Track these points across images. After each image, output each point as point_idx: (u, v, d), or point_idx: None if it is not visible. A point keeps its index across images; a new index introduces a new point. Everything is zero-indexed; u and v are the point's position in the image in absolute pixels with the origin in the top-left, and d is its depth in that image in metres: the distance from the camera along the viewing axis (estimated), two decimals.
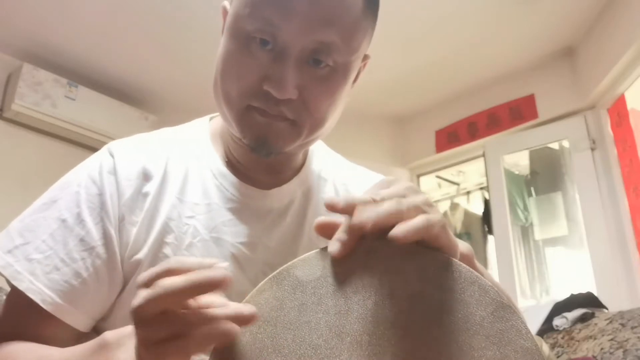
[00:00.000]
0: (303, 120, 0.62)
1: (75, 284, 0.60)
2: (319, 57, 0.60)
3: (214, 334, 0.40)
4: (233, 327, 0.40)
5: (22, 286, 0.59)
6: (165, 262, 0.41)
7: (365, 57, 0.69)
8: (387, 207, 0.43)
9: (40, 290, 0.59)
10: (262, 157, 0.64)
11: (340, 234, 0.44)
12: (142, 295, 0.40)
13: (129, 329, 0.47)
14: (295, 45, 0.59)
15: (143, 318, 0.40)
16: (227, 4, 0.67)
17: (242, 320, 0.41)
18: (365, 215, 0.42)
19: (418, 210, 0.44)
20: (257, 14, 0.59)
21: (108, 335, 0.49)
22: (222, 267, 0.41)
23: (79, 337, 0.63)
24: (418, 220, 0.42)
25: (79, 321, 0.62)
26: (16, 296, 0.60)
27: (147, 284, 0.40)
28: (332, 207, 0.44)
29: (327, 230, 0.45)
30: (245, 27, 0.60)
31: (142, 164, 0.67)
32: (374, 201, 0.44)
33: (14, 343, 0.59)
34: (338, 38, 0.60)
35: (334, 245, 0.43)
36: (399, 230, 0.41)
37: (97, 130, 2.74)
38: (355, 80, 0.70)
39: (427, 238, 0.43)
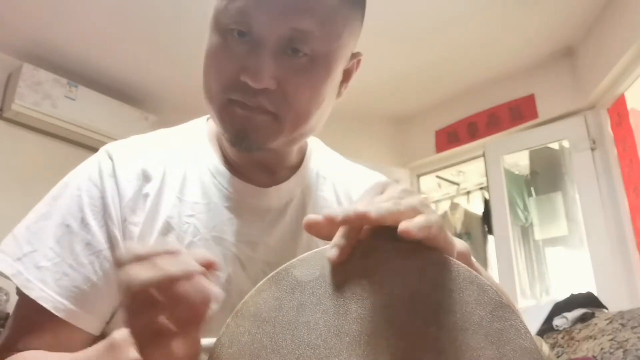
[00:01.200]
0: (283, 113, 0.61)
1: (86, 289, 0.60)
2: (296, 45, 0.59)
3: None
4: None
5: (33, 294, 0.59)
6: (160, 244, 0.42)
7: (355, 56, 0.69)
8: (385, 207, 0.43)
9: (51, 297, 0.59)
10: (243, 151, 0.64)
11: (338, 239, 0.44)
12: (142, 273, 0.40)
13: None
14: (270, 34, 0.58)
15: (135, 295, 0.40)
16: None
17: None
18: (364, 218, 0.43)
19: (415, 211, 0.44)
20: (232, 6, 0.59)
21: (116, 335, 0.49)
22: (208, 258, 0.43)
23: (92, 342, 0.62)
24: (420, 219, 0.43)
25: (92, 325, 0.62)
26: (26, 304, 0.60)
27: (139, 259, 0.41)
28: (331, 220, 0.44)
29: (316, 229, 0.46)
30: (222, 21, 0.60)
31: (142, 166, 0.67)
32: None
33: (26, 353, 0.58)
34: (314, 25, 0.59)
35: (332, 251, 0.43)
36: (407, 225, 0.41)
37: (97, 130, 2.74)
38: (346, 80, 0.69)
39: (426, 238, 0.43)
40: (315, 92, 0.62)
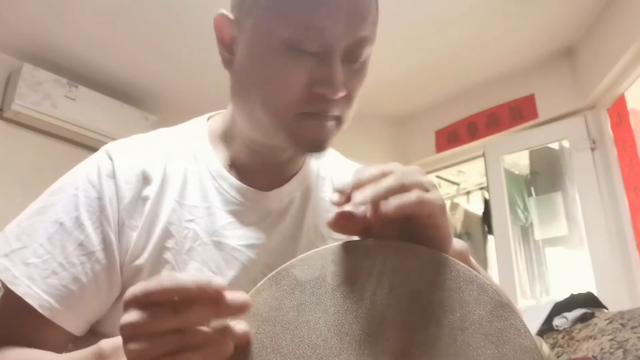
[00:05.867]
0: (345, 115, 0.64)
1: (74, 289, 0.59)
2: (359, 52, 0.62)
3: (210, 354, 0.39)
4: (229, 347, 0.40)
5: (19, 291, 0.58)
6: (157, 279, 0.40)
7: None
8: (386, 182, 0.44)
9: (38, 295, 0.58)
10: (315, 158, 0.66)
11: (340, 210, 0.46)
12: (138, 317, 0.38)
13: None
14: (339, 44, 0.60)
15: (133, 337, 0.39)
16: (226, 13, 0.65)
17: (237, 309, 0.40)
18: (365, 193, 0.44)
19: (419, 186, 0.45)
20: (296, 20, 0.58)
21: (105, 344, 0.49)
22: (218, 283, 0.40)
23: (74, 340, 0.62)
24: (411, 195, 0.43)
25: (75, 326, 0.61)
26: (11, 300, 0.59)
27: (139, 302, 0.39)
28: (342, 192, 0.45)
29: (340, 226, 0.46)
30: (283, 35, 0.59)
31: (142, 167, 0.66)
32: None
33: (10, 348, 0.58)
34: (370, 31, 0.62)
35: (334, 196, 0.45)
36: (390, 204, 0.42)
37: (97, 130, 2.74)
38: None
39: (419, 214, 0.43)
40: (361, 89, 0.65)
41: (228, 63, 0.66)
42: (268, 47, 0.60)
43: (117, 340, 0.48)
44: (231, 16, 0.65)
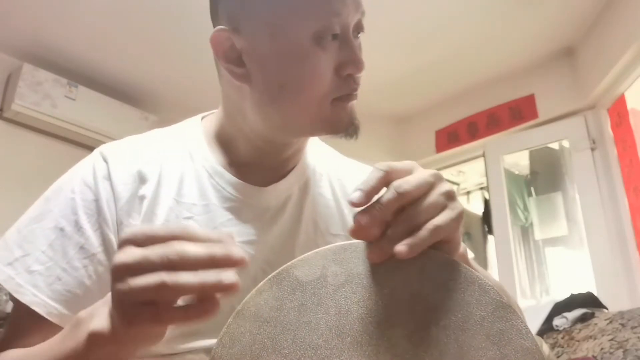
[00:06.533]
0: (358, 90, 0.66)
1: (79, 293, 0.60)
2: (360, 25, 0.65)
3: (198, 287, 0.39)
4: (224, 278, 0.40)
5: (25, 299, 0.58)
6: (169, 227, 0.41)
7: None
8: (415, 182, 0.46)
9: (44, 302, 0.58)
10: (353, 139, 0.67)
11: (360, 189, 0.46)
12: (141, 253, 0.39)
13: (103, 299, 0.47)
14: (351, 23, 0.63)
15: (127, 274, 0.39)
16: (225, 28, 0.64)
17: (231, 262, 0.40)
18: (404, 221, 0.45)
19: (442, 197, 0.46)
20: (316, 10, 0.61)
21: (81, 312, 0.49)
22: (233, 243, 0.41)
23: None
24: (444, 218, 0.45)
25: None
26: (20, 310, 0.59)
27: (140, 242, 0.40)
28: (363, 193, 0.46)
29: (361, 234, 0.46)
30: (307, 30, 0.61)
31: (137, 167, 0.66)
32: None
33: (5, 352, 0.58)
34: (365, 4, 0.65)
35: (354, 195, 0.46)
36: (404, 247, 0.43)
37: (97, 130, 2.74)
38: None
39: (447, 237, 0.46)
40: None
41: (243, 77, 0.64)
42: (295, 46, 0.61)
43: (95, 304, 0.48)
44: (230, 30, 0.64)
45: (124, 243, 0.41)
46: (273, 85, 0.63)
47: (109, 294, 0.44)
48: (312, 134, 0.69)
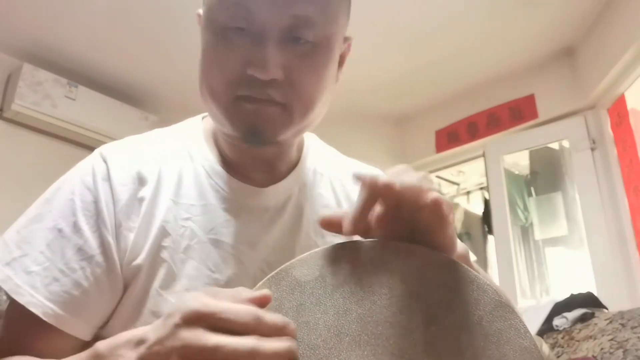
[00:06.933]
0: (292, 103, 0.61)
1: (76, 294, 0.59)
2: (298, 33, 0.59)
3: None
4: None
5: (22, 300, 0.58)
6: (200, 300, 0.42)
7: (347, 39, 0.69)
8: (408, 181, 0.46)
9: (41, 303, 0.58)
10: (257, 147, 0.64)
11: (353, 212, 0.47)
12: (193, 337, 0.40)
13: (123, 338, 0.47)
14: (272, 24, 0.58)
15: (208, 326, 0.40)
16: (201, 11, 0.67)
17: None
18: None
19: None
20: (228, 2, 0.59)
21: (100, 346, 0.48)
22: (266, 295, 0.42)
23: (82, 347, 0.61)
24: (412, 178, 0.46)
25: (82, 331, 0.61)
26: (16, 310, 0.59)
27: (203, 321, 0.41)
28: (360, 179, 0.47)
29: (332, 226, 0.47)
30: (218, 19, 0.60)
31: (137, 169, 0.65)
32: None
33: (14, 358, 0.58)
34: (314, 11, 0.59)
35: (345, 222, 0.47)
36: (439, 196, 0.45)
37: (97, 130, 2.74)
38: (342, 64, 0.69)
39: (442, 216, 0.45)
40: (320, 78, 0.62)
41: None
42: (210, 33, 0.62)
43: (114, 340, 0.48)
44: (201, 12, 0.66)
45: (187, 322, 0.42)
46: (199, 69, 0.64)
47: (131, 334, 0.45)
48: (227, 130, 0.64)
